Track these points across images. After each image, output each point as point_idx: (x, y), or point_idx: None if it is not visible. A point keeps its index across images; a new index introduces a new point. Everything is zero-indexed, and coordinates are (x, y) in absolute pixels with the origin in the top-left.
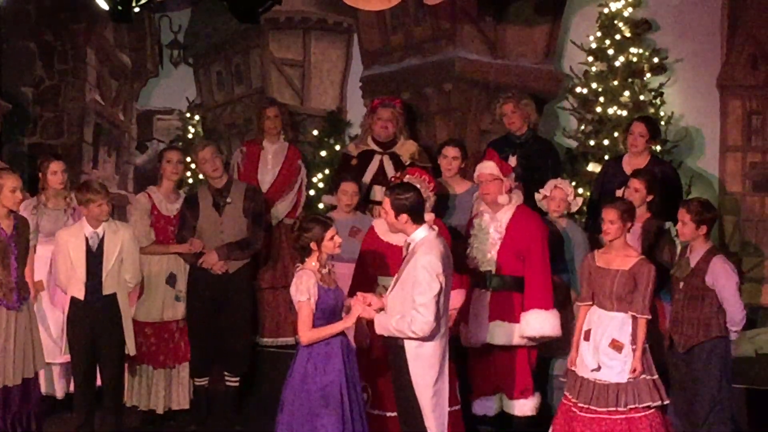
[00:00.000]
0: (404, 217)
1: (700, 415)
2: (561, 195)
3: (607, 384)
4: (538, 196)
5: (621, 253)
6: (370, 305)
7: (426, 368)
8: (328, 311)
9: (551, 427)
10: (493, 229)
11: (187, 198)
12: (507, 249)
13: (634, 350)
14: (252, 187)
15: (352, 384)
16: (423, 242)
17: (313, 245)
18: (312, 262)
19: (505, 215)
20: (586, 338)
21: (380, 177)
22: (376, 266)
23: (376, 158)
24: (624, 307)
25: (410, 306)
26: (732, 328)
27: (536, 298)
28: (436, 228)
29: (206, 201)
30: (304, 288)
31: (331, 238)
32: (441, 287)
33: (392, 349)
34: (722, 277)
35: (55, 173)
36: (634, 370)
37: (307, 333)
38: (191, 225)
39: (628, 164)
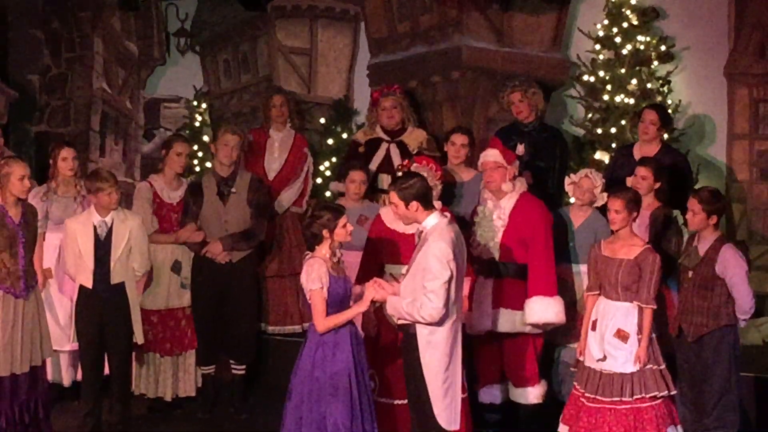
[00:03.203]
0: (414, 204)
1: (708, 404)
2: (588, 185)
3: (613, 374)
4: (567, 181)
5: (627, 243)
6: (383, 289)
7: (437, 356)
8: (337, 300)
9: (561, 417)
10: (496, 217)
11: (191, 185)
12: (510, 236)
13: (639, 340)
14: (257, 177)
15: (361, 372)
16: (434, 229)
17: (325, 233)
18: (322, 250)
19: (508, 202)
20: (593, 328)
21: (386, 165)
22: (383, 254)
23: (383, 146)
24: (629, 296)
25: (421, 293)
26: (741, 316)
27: (539, 285)
28: (447, 215)
29: (211, 189)
30: (315, 276)
31: (344, 226)
32: (451, 274)
33: (404, 337)
34: (732, 266)
35: (65, 159)
36: (639, 360)
37: (322, 321)
38: (194, 212)
39: (639, 152)
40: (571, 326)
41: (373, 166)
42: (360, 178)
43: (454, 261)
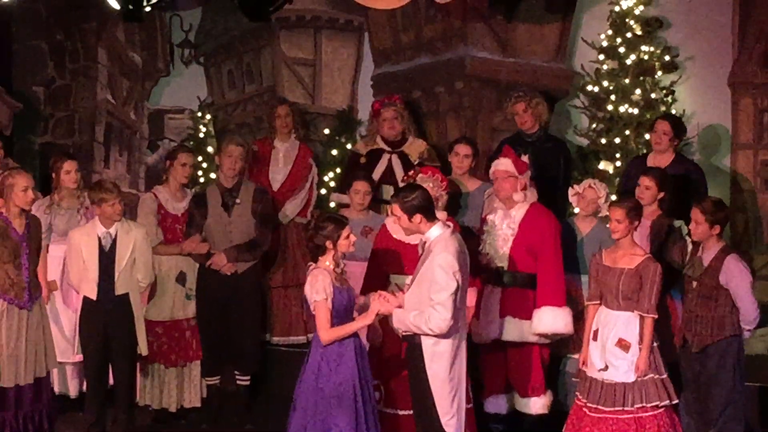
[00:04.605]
0: (418, 217)
1: (713, 414)
2: (592, 195)
3: (615, 384)
4: (570, 192)
5: (628, 252)
6: (388, 302)
7: (443, 365)
8: (341, 311)
9: (564, 428)
10: (506, 226)
11: (196, 196)
12: (519, 245)
13: (641, 349)
14: (261, 188)
15: (365, 383)
16: (438, 240)
17: (328, 244)
18: (326, 261)
19: (518, 212)
20: (594, 338)
21: (388, 176)
22: (388, 264)
23: (385, 157)
24: (630, 306)
25: (427, 304)
26: (745, 326)
27: (548, 295)
28: (450, 225)
29: (215, 200)
30: (320, 287)
31: (347, 237)
32: (458, 285)
33: (409, 347)
34: (736, 276)
35: (68, 172)
36: (638, 369)
37: (326, 332)
38: (199, 224)
39: (653, 162)
40: (577, 337)
41: (375, 177)
42: (364, 189)
43: (460, 272)
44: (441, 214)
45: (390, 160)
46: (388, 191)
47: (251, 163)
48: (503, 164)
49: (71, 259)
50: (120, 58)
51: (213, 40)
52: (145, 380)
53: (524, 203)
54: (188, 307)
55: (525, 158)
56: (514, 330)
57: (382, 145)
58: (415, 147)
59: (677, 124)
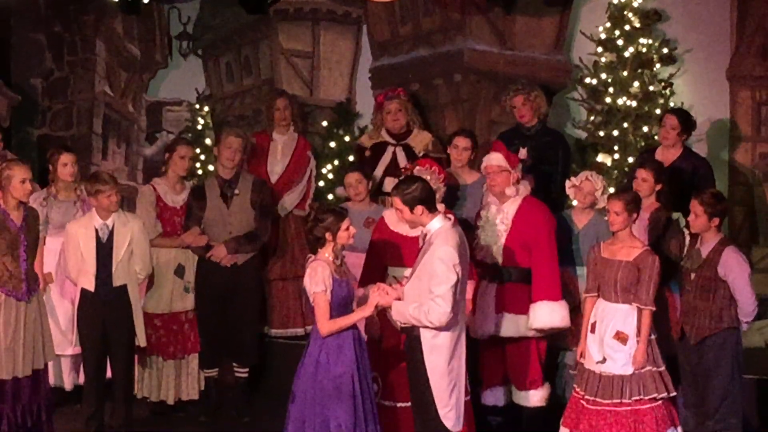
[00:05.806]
0: (419, 209)
1: (711, 406)
2: (589, 188)
3: (612, 376)
4: (568, 184)
5: (626, 244)
6: (387, 294)
7: (442, 358)
8: (341, 302)
9: (562, 420)
10: (499, 221)
11: (195, 189)
12: (514, 240)
13: (638, 342)
14: (260, 180)
15: (364, 375)
16: (439, 233)
17: (327, 235)
18: (325, 252)
19: (511, 206)
20: (592, 330)
21: (393, 168)
22: (386, 256)
23: (389, 150)
24: (628, 298)
25: (427, 296)
26: (743, 319)
27: (544, 290)
28: (451, 217)
29: (214, 192)
30: (319, 279)
31: (346, 229)
32: (458, 278)
33: (408, 339)
34: (734, 269)
35: (65, 165)
36: (636, 361)
37: (325, 324)
38: (198, 216)
39: (661, 157)
40: (575, 330)
41: (380, 169)
42: (354, 179)
43: (460, 264)
44: (439, 207)
45: (394, 152)
46: (391, 184)
47: (249, 156)
48: (495, 159)
49: (69, 251)
50: (118, 50)
51: (211, 33)
52: (143, 372)
53: (517, 197)
54: (186, 299)
55: (523, 151)
56: (510, 326)
57: (387, 138)
58: (420, 139)
59: (685, 119)
